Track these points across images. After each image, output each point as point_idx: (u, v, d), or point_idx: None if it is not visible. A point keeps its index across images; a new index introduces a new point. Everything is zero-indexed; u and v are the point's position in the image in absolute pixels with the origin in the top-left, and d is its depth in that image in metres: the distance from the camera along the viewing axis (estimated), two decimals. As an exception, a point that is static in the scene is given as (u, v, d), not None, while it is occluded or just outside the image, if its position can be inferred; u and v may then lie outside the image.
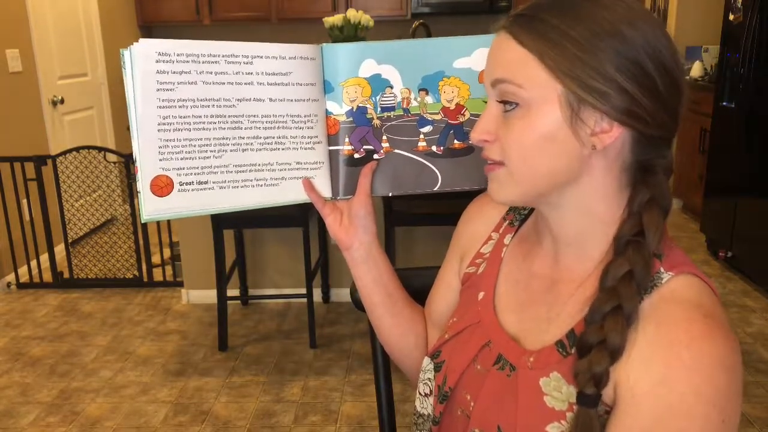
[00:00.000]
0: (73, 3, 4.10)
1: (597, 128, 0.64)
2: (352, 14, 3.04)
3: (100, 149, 3.35)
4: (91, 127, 4.31)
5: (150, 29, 5.13)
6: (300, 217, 2.58)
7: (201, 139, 0.77)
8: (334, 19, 3.07)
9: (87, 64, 4.28)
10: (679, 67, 0.65)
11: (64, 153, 3.30)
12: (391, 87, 0.83)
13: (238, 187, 0.80)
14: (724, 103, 3.44)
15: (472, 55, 0.83)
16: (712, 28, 4.06)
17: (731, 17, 3.38)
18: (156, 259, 3.53)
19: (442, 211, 2.58)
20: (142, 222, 0.92)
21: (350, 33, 3.06)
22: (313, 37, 4.72)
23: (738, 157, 3.30)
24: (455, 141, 0.85)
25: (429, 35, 3.15)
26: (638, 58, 0.62)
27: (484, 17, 4.80)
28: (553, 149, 0.65)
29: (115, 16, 4.64)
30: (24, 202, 3.40)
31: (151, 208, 0.75)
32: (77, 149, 3.32)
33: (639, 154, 0.66)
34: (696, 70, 4.22)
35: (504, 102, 0.66)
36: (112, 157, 3.51)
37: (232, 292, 3.04)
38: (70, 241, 3.48)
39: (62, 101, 3.89)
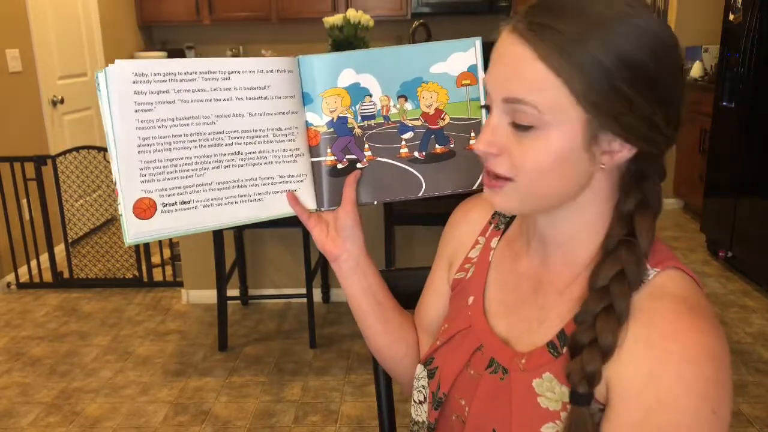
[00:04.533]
0: (73, 3, 4.10)
1: (609, 148, 0.64)
2: (352, 14, 3.05)
3: (99, 149, 3.35)
4: (91, 127, 4.32)
5: (150, 29, 5.14)
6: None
7: (182, 158, 0.75)
8: (334, 19, 3.07)
9: (87, 64, 4.28)
10: (683, 78, 0.66)
11: (63, 153, 3.30)
12: (371, 95, 0.83)
13: (222, 204, 0.79)
14: (724, 103, 3.44)
15: (448, 60, 0.83)
16: (712, 28, 4.06)
17: (731, 17, 3.38)
18: (156, 259, 3.54)
19: (442, 210, 2.56)
20: (126, 246, 0.90)
21: (350, 33, 3.07)
22: (313, 37, 4.72)
23: (738, 157, 3.30)
24: (437, 146, 0.85)
25: (429, 35, 3.15)
26: (661, 78, 0.62)
27: (484, 17, 4.80)
28: (566, 169, 0.64)
29: (115, 16, 4.65)
30: (24, 202, 3.40)
31: (133, 231, 0.74)
32: (77, 149, 3.32)
33: (637, 166, 0.67)
34: (696, 70, 4.21)
35: (516, 125, 0.64)
36: (112, 157, 3.51)
37: (232, 292, 3.04)
38: (70, 241, 3.49)
39: (62, 101, 3.89)
